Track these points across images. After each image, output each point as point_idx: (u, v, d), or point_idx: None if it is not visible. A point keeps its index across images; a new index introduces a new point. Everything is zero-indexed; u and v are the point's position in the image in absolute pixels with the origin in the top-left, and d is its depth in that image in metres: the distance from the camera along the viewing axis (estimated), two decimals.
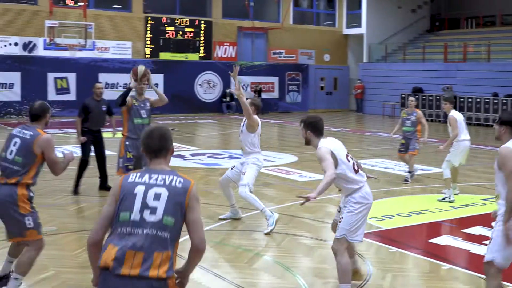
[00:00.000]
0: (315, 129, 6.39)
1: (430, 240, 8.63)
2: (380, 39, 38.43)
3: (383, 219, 9.93)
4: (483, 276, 7.04)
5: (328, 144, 6.29)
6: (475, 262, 7.75)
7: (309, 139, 6.45)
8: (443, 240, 8.67)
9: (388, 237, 8.92)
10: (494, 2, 38.08)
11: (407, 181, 13.33)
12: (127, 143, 10.04)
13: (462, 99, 30.59)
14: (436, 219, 10.00)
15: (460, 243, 8.53)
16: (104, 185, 11.85)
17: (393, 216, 10.16)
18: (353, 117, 35.30)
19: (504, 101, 28.43)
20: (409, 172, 13.53)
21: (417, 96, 32.67)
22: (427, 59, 34.94)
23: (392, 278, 7.10)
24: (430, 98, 32.30)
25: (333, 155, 6.21)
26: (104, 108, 11.86)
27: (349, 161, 6.39)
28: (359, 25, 38.77)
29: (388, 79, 35.90)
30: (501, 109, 28.32)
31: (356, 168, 6.39)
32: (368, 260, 7.75)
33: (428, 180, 13.79)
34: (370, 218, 9.88)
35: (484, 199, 11.46)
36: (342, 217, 6.30)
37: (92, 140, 11.80)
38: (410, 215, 10.21)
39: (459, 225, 9.45)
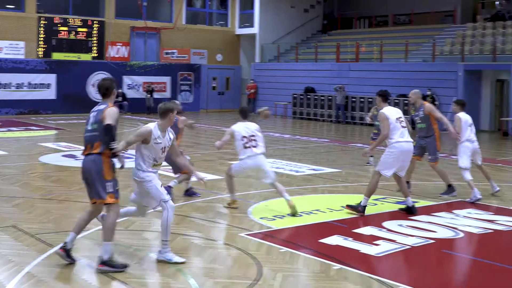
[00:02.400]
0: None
1: (321, 240, 8.72)
2: (272, 39, 38.88)
3: (274, 219, 9.98)
4: (374, 276, 7.20)
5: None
6: (365, 262, 7.90)
7: None
8: (334, 240, 8.77)
9: (279, 237, 8.97)
10: (387, 2, 39.26)
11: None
12: None
13: (354, 99, 31.35)
14: (327, 219, 10.12)
15: (350, 243, 8.66)
16: None
17: (284, 216, 10.23)
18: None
19: (396, 101, 29.28)
20: None
21: (308, 96, 33.28)
22: (319, 59, 35.58)
23: (283, 279, 7.13)
24: (322, 98, 32.92)
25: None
26: None
27: None
28: (252, 25, 39.12)
29: (280, 79, 36.33)
30: None
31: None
32: (258, 260, 7.76)
33: (319, 180, 14.00)
34: (260, 218, 10.00)
35: (375, 199, 11.72)
36: None
37: None
38: (301, 215, 10.29)
39: (349, 225, 9.61)
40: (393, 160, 10.37)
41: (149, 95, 34.06)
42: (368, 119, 16.02)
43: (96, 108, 7.50)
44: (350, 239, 8.82)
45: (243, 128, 10.66)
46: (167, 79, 36.26)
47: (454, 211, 10.76)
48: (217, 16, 40.86)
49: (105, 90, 7.53)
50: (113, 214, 7.35)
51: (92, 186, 7.32)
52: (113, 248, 7.34)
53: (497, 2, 33.91)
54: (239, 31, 40.25)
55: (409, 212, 10.46)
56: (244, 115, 10.95)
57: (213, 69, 38.68)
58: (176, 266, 7.50)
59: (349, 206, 10.41)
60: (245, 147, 10.54)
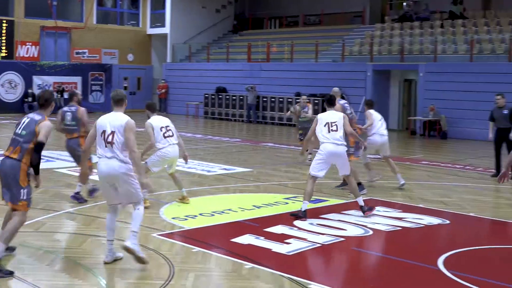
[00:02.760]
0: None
1: (233, 240, 8.75)
2: (184, 39, 38.76)
3: (186, 219, 9.95)
4: (285, 274, 7.28)
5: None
6: (277, 261, 7.96)
7: None
8: (246, 239, 8.80)
9: (191, 237, 8.94)
10: (297, 3, 39.69)
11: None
12: None
13: (265, 99, 31.58)
14: (238, 218, 10.16)
15: (262, 242, 8.70)
16: None
17: (196, 216, 10.22)
18: None
19: (307, 101, 29.60)
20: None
21: (220, 96, 33.28)
22: (231, 59, 35.68)
23: (195, 278, 7.11)
24: (234, 98, 33.02)
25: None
26: None
27: None
28: (163, 25, 38.89)
29: (192, 79, 36.27)
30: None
31: None
32: (170, 260, 7.72)
33: (231, 180, 14.04)
34: (173, 218, 9.95)
35: (286, 198, 11.86)
36: None
37: None
38: (213, 215, 10.31)
39: (261, 224, 9.66)
40: (321, 162, 10.36)
41: (59, 95, 33.46)
42: (287, 114, 16.98)
43: (31, 115, 7.57)
44: (262, 238, 8.88)
45: (158, 120, 10.95)
46: (78, 79, 35.70)
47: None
48: (128, 15, 40.44)
49: (44, 101, 7.65)
50: (19, 220, 7.31)
51: (8, 188, 7.34)
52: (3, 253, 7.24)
53: (404, 4, 34.80)
54: (151, 31, 39.92)
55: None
56: (153, 108, 11.29)
57: (124, 69, 38.27)
58: (86, 267, 7.38)
59: (292, 215, 10.22)
60: (165, 137, 10.83)
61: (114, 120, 7.55)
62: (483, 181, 14.80)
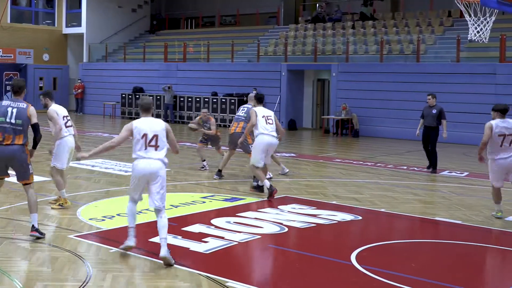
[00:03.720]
0: None
1: (151, 240, 8.68)
2: (100, 38, 38.21)
3: (103, 220, 9.83)
4: (203, 273, 7.28)
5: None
6: (194, 260, 7.96)
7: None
8: None
9: (108, 237, 8.83)
10: (213, 3, 39.76)
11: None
12: None
13: (182, 98, 31.49)
14: (155, 218, 10.09)
15: (180, 241, 8.68)
16: None
17: (113, 216, 10.10)
18: (73, 117, 34.60)
19: (223, 100, 29.75)
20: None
21: (137, 95, 32.95)
22: (147, 59, 35.41)
23: (113, 279, 7.03)
24: (151, 97, 32.73)
25: None
26: None
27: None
28: (79, 24, 38.24)
29: (109, 79, 35.84)
30: (220, 108, 29.64)
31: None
32: (87, 261, 7.61)
33: None
34: (90, 219, 9.81)
35: (203, 197, 11.86)
36: None
37: None
38: None
39: (179, 224, 9.62)
40: (262, 152, 11.88)
41: None
42: (193, 125, 16.00)
43: (14, 104, 8.63)
44: (180, 237, 8.85)
45: (60, 108, 10.97)
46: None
47: (279, 207, 11.08)
48: (44, 15, 39.59)
49: (18, 88, 8.79)
50: (33, 190, 8.76)
51: (18, 170, 8.62)
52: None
53: (317, 5, 35.28)
54: (66, 30, 39.19)
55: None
56: (51, 97, 11.10)
57: (40, 68, 37.45)
58: (2, 270, 7.20)
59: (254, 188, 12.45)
60: (67, 126, 10.77)
61: (154, 125, 8.13)
62: (394, 177, 15.18)
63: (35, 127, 8.55)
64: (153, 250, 8.16)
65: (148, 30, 41.02)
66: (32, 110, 8.60)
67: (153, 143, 8.01)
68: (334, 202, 11.77)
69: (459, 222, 10.45)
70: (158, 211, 7.97)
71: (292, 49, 30.43)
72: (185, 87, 32.17)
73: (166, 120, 31.32)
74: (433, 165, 15.97)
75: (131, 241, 8.05)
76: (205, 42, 33.40)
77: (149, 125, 8.07)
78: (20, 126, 8.47)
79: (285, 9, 36.83)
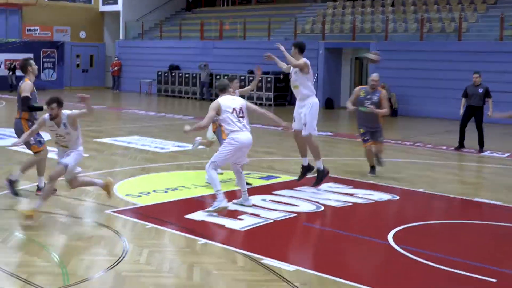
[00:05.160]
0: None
1: (186, 216, 8.74)
2: (137, 16, 38.37)
3: (139, 196, 9.92)
4: (238, 250, 7.32)
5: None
6: (229, 236, 8.01)
7: None
8: (199, 215, 8.80)
9: (144, 213, 8.91)
10: None
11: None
12: None
13: (218, 76, 31.46)
14: (192, 195, 10.16)
15: (215, 218, 8.72)
16: None
17: (149, 192, 10.19)
18: (110, 94, 34.94)
19: (260, 78, 29.64)
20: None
21: (173, 73, 33.06)
22: (184, 37, 35.45)
23: (149, 254, 7.11)
24: (187, 75, 32.86)
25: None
26: None
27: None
28: (116, 2, 38.44)
29: (145, 57, 36.00)
30: (256, 86, 29.56)
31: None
32: (124, 236, 7.70)
33: (184, 157, 14.00)
34: (126, 195, 9.91)
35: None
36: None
37: None
38: (167, 192, 10.30)
39: (214, 201, 9.66)
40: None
41: (11, 73, 32.98)
42: None
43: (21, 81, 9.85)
44: (215, 214, 8.90)
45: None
46: (30, 56, 35.10)
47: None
48: None
49: (20, 67, 10.10)
50: (34, 157, 9.86)
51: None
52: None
53: None
54: (103, 8, 39.47)
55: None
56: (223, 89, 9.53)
57: (76, 46, 37.85)
58: (41, 244, 7.34)
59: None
60: None
61: (237, 101, 9.18)
62: (433, 157, 15.04)
63: (22, 101, 9.65)
64: (188, 226, 8.22)
65: (184, 8, 41.03)
66: (23, 85, 9.71)
67: (241, 114, 9.02)
68: (371, 182, 11.71)
69: (500, 203, 10.33)
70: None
71: (330, 27, 30.20)
72: (221, 65, 32.14)
73: (202, 98, 31.49)
74: (480, 145, 15.74)
75: (225, 203, 8.92)
76: (242, 19, 33.30)
77: (233, 101, 9.10)
78: (18, 101, 9.84)
79: None
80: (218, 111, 9.07)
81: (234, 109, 9.05)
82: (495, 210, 10.10)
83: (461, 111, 15.92)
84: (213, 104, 9.13)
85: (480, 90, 15.52)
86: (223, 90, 9.30)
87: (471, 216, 9.79)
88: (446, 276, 6.74)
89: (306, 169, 10.95)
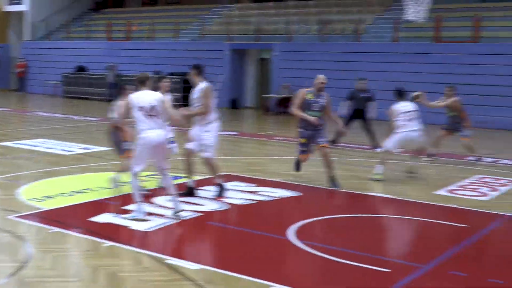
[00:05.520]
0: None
1: (91, 219, 8.59)
2: (43, 16, 37.40)
3: (44, 200, 9.67)
4: (144, 251, 7.27)
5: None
6: (135, 238, 7.93)
7: None
8: (104, 218, 8.66)
9: (49, 218, 8.69)
10: None
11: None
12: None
13: (125, 78, 31.08)
14: (97, 197, 10.00)
15: (121, 220, 8.60)
16: None
17: (54, 196, 9.96)
18: (14, 96, 33.95)
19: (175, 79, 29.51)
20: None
21: (80, 75, 32.44)
22: (91, 38, 34.85)
23: (53, 259, 6.94)
24: (94, 76, 32.32)
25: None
26: None
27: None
28: (21, 2, 37.30)
29: (51, 58, 35.20)
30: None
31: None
32: (27, 242, 7.50)
33: (90, 159, 13.77)
34: (29, 199, 9.65)
35: (146, 176, 11.77)
36: None
37: None
38: (72, 195, 10.09)
39: (120, 203, 9.53)
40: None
41: None
42: None
43: None
44: (121, 216, 8.79)
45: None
46: None
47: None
48: None
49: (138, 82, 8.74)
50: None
51: None
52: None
53: None
54: (8, 8, 38.21)
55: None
56: None
57: None
58: None
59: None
60: None
61: (151, 97, 8.59)
62: (333, 154, 15.30)
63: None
64: (93, 229, 8.09)
65: (91, 8, 40.28)
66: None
67: (152, 112, 8.48)
68: (274, 179, 11.84)
69: (392, 196, 10.65)
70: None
71: (236, 28, 30.33)
72: (129, 66, 31.78)
73: (109, 100, 30.96)
74: (372, 142, 16.28)
75: (143, 215, 8.64)
76: (149, 20, 33.03)
77: (146, 97, 8.52)
78: None
79: None
80: (129, 107, 8.64)
81: (144, 106, 8.52)
82: (389, 203, 10.41)
83: (344, 111, 16.53)
84: (124, 101, 8.89)
85: (364, 95, 16.54)
86: (142, 83, 8.60)
87: (368, 210, 10.05)
88: (342, 269, 6.91)
89: (190, 190, 10.38)
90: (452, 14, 25.81)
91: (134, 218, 8.62)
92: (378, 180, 11.91)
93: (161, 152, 8.77)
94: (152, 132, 8.54)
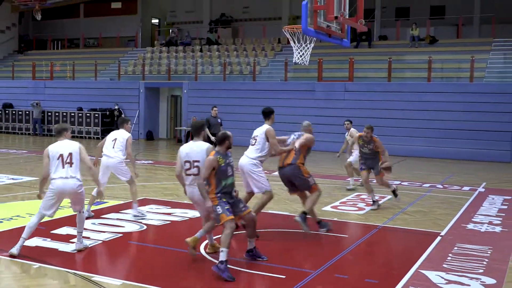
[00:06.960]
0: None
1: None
2: None
3: None
4: (71, 270, 7.13)
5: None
6: (63, 259, 7.74)
7: None
8: (34, 242, 8.43)
9: None
10: (78, 27, 38.68)
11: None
12: None
13: (50, 113, 30.37)
14: (26, 223, 9.70)
15: (49, 243, 8.42)
16: None
17: None
18: None
19: (88, 114, 29.00)
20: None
21: (7, 111, 31.41)
22: (16, 77, 33.84)
23: None
24: (20, 113, 31.37)
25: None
26: None
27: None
28: None
29: None
30: (85, 122, 28.88)
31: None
32: None
33: (19, 188, 13.34)
34: None
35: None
36: None
37: None
38: (2, 222, 9.76)
39: (48, 227, 9.30)
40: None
41: None
42: None
43: None
44: (49, 239, 8.59)
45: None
46: None
47: (138, 208, 10.92)
48: None
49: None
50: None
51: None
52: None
53: (170, 30, 35.26)
54: None
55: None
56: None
57: None
58: None
59: None
60: None
61: (68, 147, 7.87)
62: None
63: None
64: (23, 253, 7.85)
65: (16, 50, 39.14)
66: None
67: (68, 160, 7.76)
68: (186, 202, 11.85)
69: (287, 213, 10.87)
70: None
71: (149, 69, 30.25)
72: (53, 103, 31.05)
73: (35, 134, 30.13)
74: None
75: (84, 244, 8.23)
76: (71, 61, 32.41)
77: (66, 147, 7.83)
78: None
79: (142, 33, 36.62)
80: (47, 157, 7.87)
81: (61, 155, 7.80)
82: (285, 219, 10.62)
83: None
84: (44, 152, 7.98)
85: (219, 120, 17.80)
86: (59, 134, 7.93)
87: (265, 226, 10.20)
88: (245, 277, 7.02)
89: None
90: (332, 58, 26.72)
91: (79, 249, 8.16)
92: None
93: (74, 199, 8.08)
94: (61, 181, 7.80)
